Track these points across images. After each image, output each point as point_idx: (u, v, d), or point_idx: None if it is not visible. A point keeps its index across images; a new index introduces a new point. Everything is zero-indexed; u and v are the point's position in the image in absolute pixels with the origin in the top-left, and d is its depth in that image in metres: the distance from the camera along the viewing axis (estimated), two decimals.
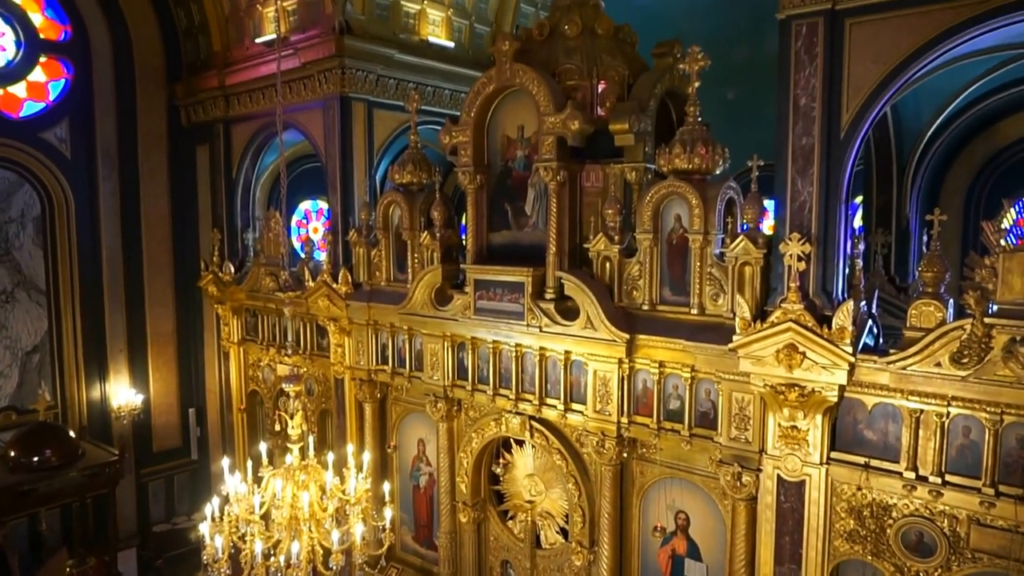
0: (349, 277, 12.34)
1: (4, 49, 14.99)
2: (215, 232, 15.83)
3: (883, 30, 7.31)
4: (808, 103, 7.67)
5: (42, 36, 15.33)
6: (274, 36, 13.53)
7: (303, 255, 13.77)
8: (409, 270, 11.55)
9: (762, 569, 8.26)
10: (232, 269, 15.01)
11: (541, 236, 9.81)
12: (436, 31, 14.08)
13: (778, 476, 7.99)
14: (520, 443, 10.70)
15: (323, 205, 18.24)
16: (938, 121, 12.28)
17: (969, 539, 7.08)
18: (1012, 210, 7.02)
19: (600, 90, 9.91)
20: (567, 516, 10.35)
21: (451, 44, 14.29)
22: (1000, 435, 6.85)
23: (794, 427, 7.78)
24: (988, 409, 6.83)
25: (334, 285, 12.32)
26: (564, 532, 10.57)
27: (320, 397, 13.49)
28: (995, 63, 10.58)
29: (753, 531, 8.36)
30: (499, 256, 10.35)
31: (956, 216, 13.63)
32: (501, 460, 10.93)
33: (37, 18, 15.29)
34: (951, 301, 7.37)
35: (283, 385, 7.44)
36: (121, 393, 16.13)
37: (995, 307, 6.72)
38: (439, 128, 10.80)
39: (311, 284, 12.66)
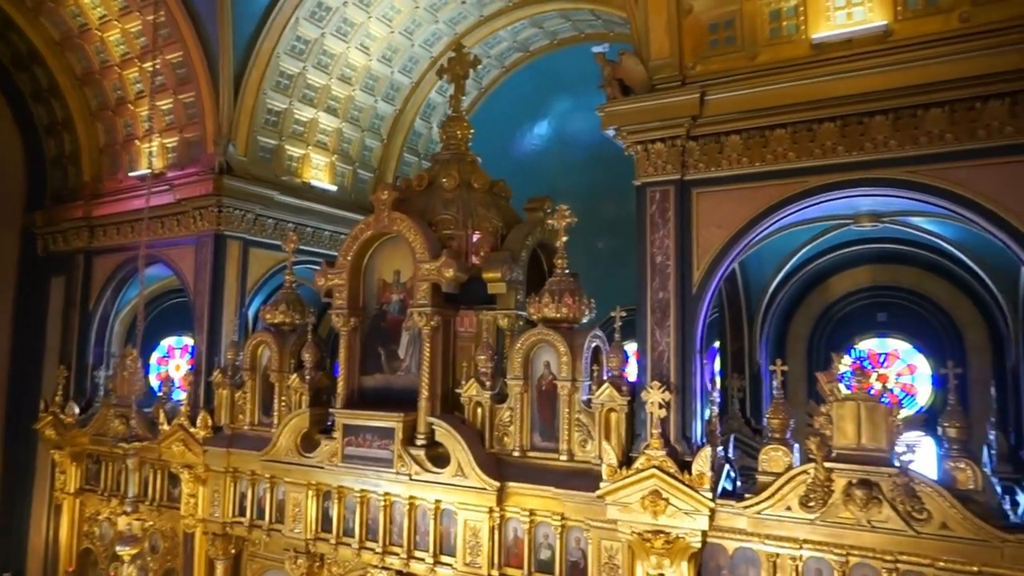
0: (209, 420, 11.59)
1: None
2: (61, 369, 14.57)
3: (725, 200, 8.23)
4: (663, 261, 8.35)
5: None
6: (149, 171, 13.33)
7: (160, 395, 12.89)
8: (275, 414, 11.04)
9: None
10: (77, 410, 13.74)
11: (414, 380, 9.76)
12: (319, 174, 14.41)
13: None
14: None
15: (188, 342, 17.37)
16: (779, 276, 13.63)
17: None
18: (846, 356, 7.78)
19: (475, 240, 10.37)
20: None
21: (334, 187, 14.61)
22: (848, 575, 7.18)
23: (661, 575, 7.80)
24: (835, 551, 7.19)
25: (191, 429, 11.52)
26: None
27: (166, 554, 12.19)
28: (821, 229, 12.06)
29: None
30: (371, 400, 10.15)
31: (801, 361, 14.84)
32: None
33: None
34: (796, 446, 7.88)
35: (117, 548, 6.70)
36: None
37: (834, 452, 7.25)
38: (318, 268, 10.81)
39: (166, 428, 11.78)
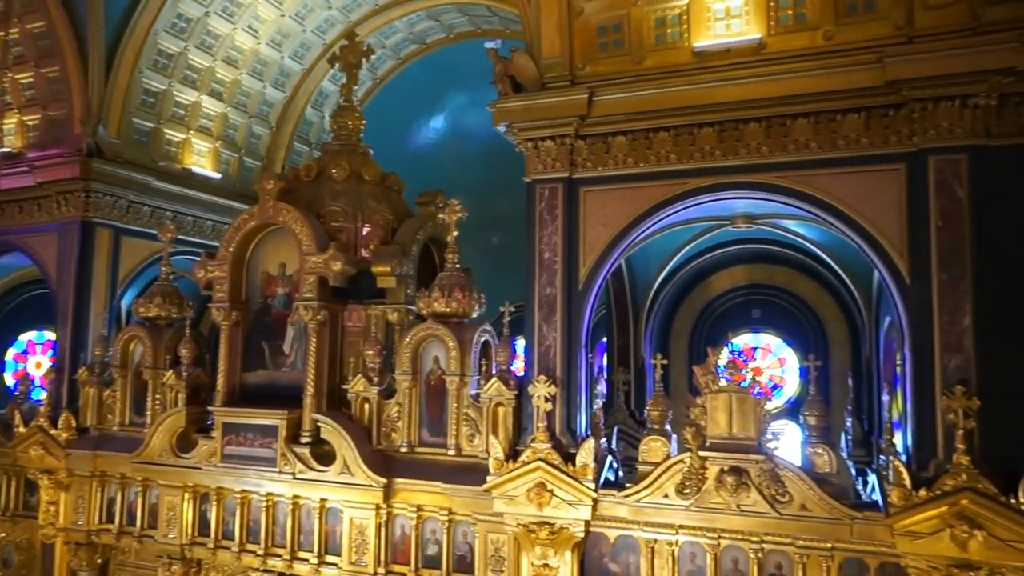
0: (73, 421, 10.78)
1: None
2: None
3: (611, 199, 8.47)
4: (551, 257, 8.51)
5: None
6: (8, 149, 12.26)
7: (16, 394, 11.88)
8: (148, 413, 10.42)
9: None
10: None
11: (299, 376, 9.48)
12: (202, 161, 13.69)
13: None
14: None
15: (51, 337, 16.07)
16: (663, 274, 14.21)
17: None
18: (724, 349, 8.24)
19: (364, 233, 10.18)
20: None
21: (217, 175, 13.93)
22: (719, 558, 7.59)
23: (546, 565, 7.96)
24: (708, 535, 7.58)
25: (52, 431, 10.67)
26: None
27: (21, 568, 11.24)
28: (701, 229, 12.66)
29: None
30: (253, 397, 9.77)
31: (683, 355, 15.54)
32: None
33: None
34: (675, 436, 8.24)
35: None
36: None
37: (708, 442, 7.62)
38: (199, 259, 10.27)
39: (22, 430, 10.86)
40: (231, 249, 9.86)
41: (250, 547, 9.44)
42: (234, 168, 14.42)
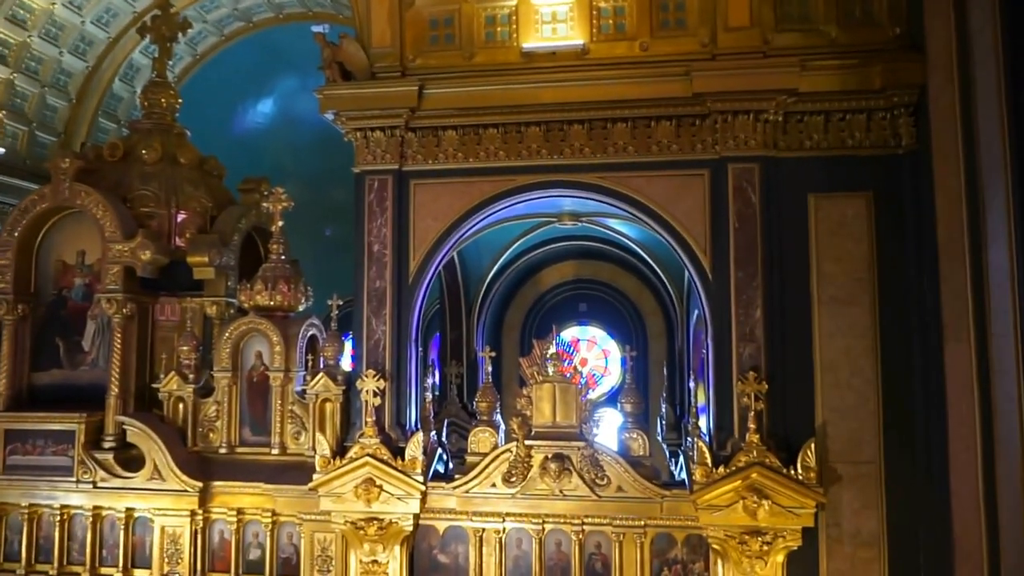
0: None
1: None
2: None
3: (440, 193, 8.50)
4: (381, 250, 8.39)
5: None
6: None
7: None
8: None
9: None
10: None
11: (102, 375, 8.65)
12: None
13: None
14: None
15: None
16: (495, 268, 14.52)
17: None
18: (552, 345, 8.56)
19: (179, 220, 9.48)
20: None
21: (1, 149, 12.29)
22: (544, 542, 7.90)
23: (375, 562, 7.88)
24: (533, 520, 7.86)
25: None
26: None
27: None
28: (531, 225, 13.07)
29: None
30: (46, 400, 8.79)
31: (515, 347, 15.98)
32: None
33: None
34: (503, 427, 8.46)
35: None
36: None
37: (533, 431, 7.90)
38: None
39: None
40: (17, 234, 8.78)
41: (40, 567, 8.49)
42: (23, 143, 12.79)
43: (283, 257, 8.85)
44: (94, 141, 13.43)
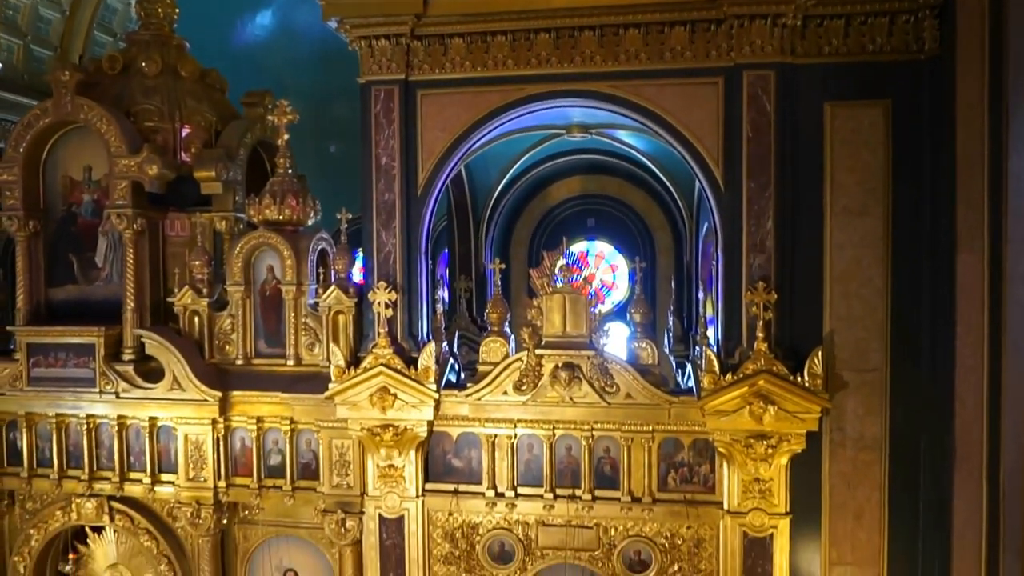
0: None
1: None
2: None
3: (448, 104, 8.33)
4: (388, 162, 8.31)
5: None
6: None
7: None
8: None
9: None
10: None
11: (116, 290, 8.75)
12: None
13: (380, 516, 8.30)
14: (98, 530, 9.23)
15: None
16: (503, 182, 14.42)
17: (538, 539, 8.24)
18: (561, 258, 8.58)
19: (184, 135, 9.35)
20: None
21: None
22: (554, 447, 8.16)
23: (391, 466, 8.19)
24: (543, 426, 8.10)
25: None
26: None
27: None
28: (540, 138, 12.86)
29: (361, 574, 8.48)
30: (63, 315, 8.92)
31: (523, 262, 16.07)
32: (71, 555, 9.23)
33: None
34: (513, 337, 8.59)
35: None
36: None
37: (544, 340, 8.03)
38: None
39: None
40: (22, 150, 8.70)
41: (72, 473, 8.85)
42: (19, 58, 12.54)
43: (290, 171, 8.78)
44: (91, 55, 13.14)
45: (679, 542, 7.98)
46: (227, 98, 10.42)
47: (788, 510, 7.67)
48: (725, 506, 7.78)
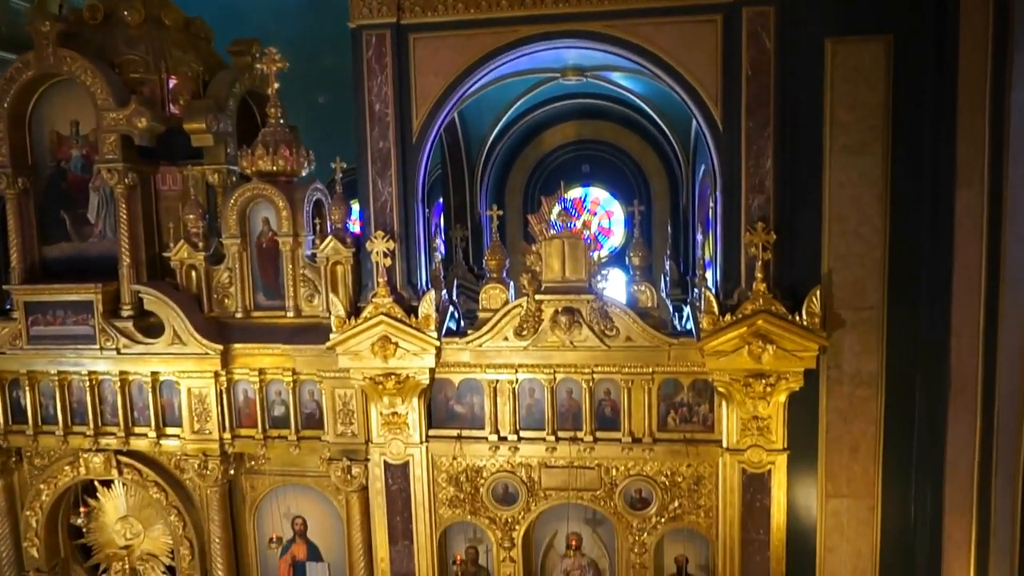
0: None
1: None
2: None
3: (441, 47, 8.15)
4: (382, 109, 8.17)
5: None
6: None
7: None
8: None
9: (379, 552, 8.63)
10: None
11: (111, 246, 8.68)
12: None
13: (385, 462, 8.43)
14: (107, 484, 9.36)
15: None
16: (497, 129, 14.25)
17: (541, 481, 8.40)
18: (557, 205, 8.55)
19: (171, 86, 9.14)
20: (173, 552, 9.41)
21: None
22: (555, 390, 8.25)
23: (395, 413, 8.28)
24: (544, 370, 8.16)
25: None
26: (172, 570, 9.58)
27: None
28: (534, 82, 12.65)
29: (368, 519, 8.67)
30: (60, 273, 8.86)
31: (518, 210, 16.01)
32: (82, 509, 9.39)
33: None
34: (512, 284, 8.60)
35: None
36: None
37: (543, 286, 8.04)
38: None
39: None
40: (6, 105, 8.51)
41: (77, 429, 8.94)
42: None
43: (282, 121, 8.63)
44: (71, 4, 12.73)
45: (679, 480, 8.14)
46: (213, 48, 10.17)
47: (786, 446, 7.82)
48: (724, 444, 7.92)
